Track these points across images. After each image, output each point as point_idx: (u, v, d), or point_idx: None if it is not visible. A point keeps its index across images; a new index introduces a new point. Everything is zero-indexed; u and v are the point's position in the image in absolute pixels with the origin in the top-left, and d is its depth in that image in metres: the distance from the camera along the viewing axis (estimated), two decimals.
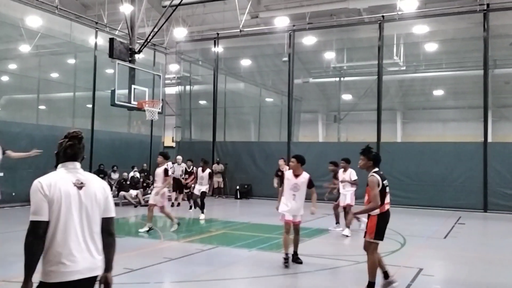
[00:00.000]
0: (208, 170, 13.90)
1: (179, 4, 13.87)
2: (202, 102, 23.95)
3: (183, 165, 16.83)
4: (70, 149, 3.04)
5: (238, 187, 20.19)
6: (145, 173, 18.46)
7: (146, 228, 10.85)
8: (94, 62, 18.25)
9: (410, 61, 22.04)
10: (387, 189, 6.08)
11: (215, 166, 20.64)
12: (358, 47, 21.50)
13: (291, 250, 8.05)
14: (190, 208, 14.92)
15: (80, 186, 2.94)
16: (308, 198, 8.29)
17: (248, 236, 10.71)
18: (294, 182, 8.09)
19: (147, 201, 15.89)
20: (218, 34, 21.45)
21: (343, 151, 18.86)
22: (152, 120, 17.00)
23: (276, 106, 23.57)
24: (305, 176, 8.16)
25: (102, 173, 17.68)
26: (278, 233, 11.25)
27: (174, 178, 16.18)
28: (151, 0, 19.63)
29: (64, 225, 2.83)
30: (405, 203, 16.85)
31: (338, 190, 11.54)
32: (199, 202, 13.73)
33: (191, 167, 16.51)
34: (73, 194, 2.90)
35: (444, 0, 18.92)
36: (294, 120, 21.13)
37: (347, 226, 10.53)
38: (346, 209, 10.94)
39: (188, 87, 23.52)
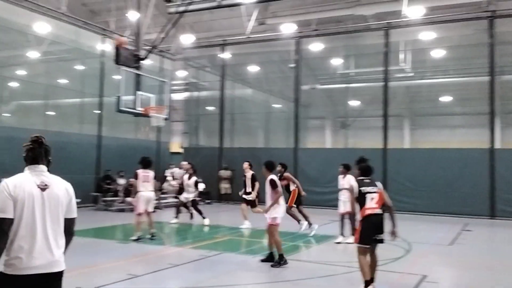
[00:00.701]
0: (194, 178, 13.70)
1: (185, 11, 13.95)
2: (209, 108, 24.02)
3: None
4: (31, 152, 3.25)
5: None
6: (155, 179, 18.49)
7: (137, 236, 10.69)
8: (101, 68, 18.38)
9: (417, 67, 21.96)
10: (367, 196, 6.49)
11: (222, 172, 20.63)
12: (364, 54, 21.48)
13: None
14: (191, 217, 14.37)
15: (43, 188, 3.14)
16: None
17: (254, 242, 10.69)
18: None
19: (156, 207, 15.93)
20: (224, 40, 21.53)
21: (351, 157, 18.69)
22: (159, 126, 17.09)
23: (283, 112, 23.58)
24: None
25: (109, 179, 17.76)
26: (283, 239, 11.19)
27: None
28: (158, 6, 19.72)
29: (25, 223, 3.03)
30: (411, 209, 16.75)
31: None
32: (181, 210, 13.79)
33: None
34: (36, 195, 3.09)
35: (450, 6, 18.84)
36: (301, 126, 21.11)
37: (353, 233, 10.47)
38: (345, 216, 10.78)
39: (195, 93, 23.60)
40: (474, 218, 15.89)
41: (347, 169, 10.74)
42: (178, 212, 13.87)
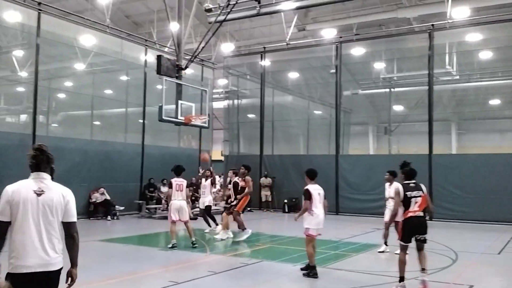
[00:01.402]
0: (209, 180, 13.59)
1: (225, 20, 14.05)
2: (250, 115, 24.07)
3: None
4: (34, 159, 3.48)
5: (286, 201, 20.04)
6: (194, 187, 18.67)
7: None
8: (144, 78, 18.77)
9: (463, 70, 21.21)
10: (412, 200, 6.97)
11: (262, 180, 20.59)
12: (408, 57, 20.94)
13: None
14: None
15: (39, 193, 3.39)
16: None
17: (294, 251, 10.53)
18: None
19: (196, 214, 16.07)
20: (265, 48, 21.56)
21: (394, 164, 18.19)
22: (200, 135, 17.24)
23: (324, 118, 23.31)
24: None
25: (152, 187, 18.06)
26: (324, 247, 11.03)
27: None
28: (199, 16, 20.01)
29: (20, 226, 3.32)
30: (459, 217, 16.15)
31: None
32: (207, 218, 13.40)
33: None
34: (31, 200, 3.35)
35: (496, 6, 18.16)
36: (343, 133, 20.80)
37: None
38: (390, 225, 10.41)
39: (236, 101, 23.72)
40: None
41: (393, 176, 10.35)
42: (206, 220, 13.55)
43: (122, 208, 16.67)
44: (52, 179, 3.62)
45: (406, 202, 6.97)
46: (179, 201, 10.78)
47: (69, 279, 3.55)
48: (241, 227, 11.66)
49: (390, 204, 10.37)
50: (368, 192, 18.19)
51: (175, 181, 10.84)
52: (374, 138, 27.85)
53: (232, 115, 23.54)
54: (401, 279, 7.03)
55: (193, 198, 17.83)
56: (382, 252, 10.29)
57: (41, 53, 15.19)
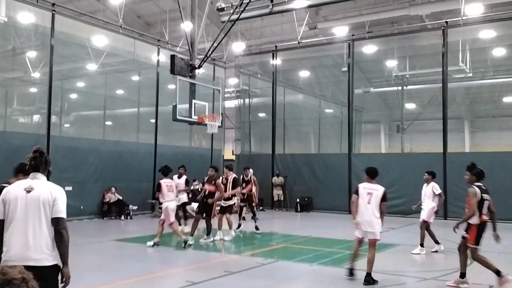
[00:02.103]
0: (184, 177, 13.16)
1: (238, 19, 14.03)
2: (261, 114, 24.05)
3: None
4: (33, 161, 3.68)
5: (298, 200, 19.99)
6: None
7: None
8: (156, 78, 18.81)
9: (477, 67, 21.01)
10: (486, 203, 7.10)
11: (274, 179, 20.56)
12: (421, 55, 20.79)
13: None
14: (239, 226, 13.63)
15: (29, 190, 3.56)
16: None
17: (309, 250, 10.51)
18: None
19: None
20: (276, 46, 21.51)
21: (407, 163, 18.33)
22: (212, 134, 17.24)
23: (336, 117, 23.23)
24: None
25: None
26: (340, 247, 10.99)
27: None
28: (210, 16, 19.98)
29: (10, 221, 3.53)
30: None
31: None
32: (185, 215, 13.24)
33: (249, 175, 16.14)
34: (20, 197, 3.54)
35: (510, 3, 17.94)
36: (355, 131, 20.70)
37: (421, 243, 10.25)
38: (421, 224, 10.42)
39: (247, 100, 23.70)
40: None
41: (433, 177, 10.60)
42: (185, 218, 13.54)
43: (135, 207, 16.73)
44: (48, 180, 3.78)
45: (480, 205, 7.06)
46: (172, 202, 10.84)
47: (63, 279, 3.62)
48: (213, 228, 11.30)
49: (426, 204, 10.48)
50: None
51: (165, 182, 10.87)
52: (386, 136, 27.70)
53: (244, 114, 23.52)
54: (499, 271, 7.11)
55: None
56: (418, 254, 10.20)
57: (54, 54, 15.26)
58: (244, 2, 13.51)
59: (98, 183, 16.36)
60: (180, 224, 12.83)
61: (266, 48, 22.63)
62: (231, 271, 8.33)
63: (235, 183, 11.96)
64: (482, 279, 7.83)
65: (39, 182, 3.62)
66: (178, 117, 12.44)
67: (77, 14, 16.70)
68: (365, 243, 7.88)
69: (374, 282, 7.38)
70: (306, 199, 19.81)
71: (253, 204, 13.75)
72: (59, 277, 3.62)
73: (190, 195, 17.02)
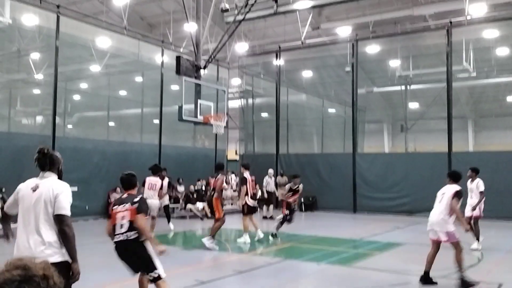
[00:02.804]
0: (166, 180, 12.75)
1: (243, 20, 14.05)
2: (264, 115, 24.08)
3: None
4: (37, 162, 3.78)
5: (302, 200, 19.98)
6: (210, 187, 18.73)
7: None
8: (160, 79, 18.84)
9: (481, 66, 21.01)
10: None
11: (279, 179, 20.52)
12: (424, 54, 20.81)
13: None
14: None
15: (34, 189, 3.64)
16: None
17: (316, 250, 10.52)
18: None
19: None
20: (279, 47, 21.52)
21: (411, 162, 18.34)
22: (216, 134, 17.28)
23: (339, 117, 23.25)
24: None
25: (169, 186, 18.10)
26: (346, 246, 11.00)
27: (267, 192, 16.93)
28: (214, 17, 20.05)
29: (19, 220, 3.64)
30: None
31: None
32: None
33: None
34: (27, 195, 3.64)
35: None
36: (358, 131, 20.71)
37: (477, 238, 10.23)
38: (469, 220, 10.48)
39: (250, 101, 23.74)
40: None
41: (476, 173, 10.67)
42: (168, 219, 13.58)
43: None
44: (59, 178, 3.82)
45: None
46: (153, 200, 11.00)
47: (73, 274, 3.67)
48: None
49: (471, 200, 10.58)
50: (386, 190, 18.10)
51: (149, 180, 11.17)
52: (389, 136, 27.70)
53: (247, 115, 23.55)
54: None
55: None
56: (477, 249, 10.17)
57: (59, 55, 15.29)
58: (249, 3, 13.55)
59: (103, 184, 16.38)
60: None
61: (270, 48, 22.65)
62: (239, 270, 8.35)
63: (241, 182, 11.84)
64: (491, 277, 7.85)
65: (45, 181, 3.68)
66: (184, 118, 12.47)
67: (81, 16, 16.74)
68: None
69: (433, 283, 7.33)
70: (310, 198, 19.80)
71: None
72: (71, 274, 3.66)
73: (194, 195, 17.10)
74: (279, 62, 21.67)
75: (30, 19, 15.11)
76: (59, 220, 3.55)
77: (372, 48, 20.14)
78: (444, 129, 17.70)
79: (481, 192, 10.46)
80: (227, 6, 15.70)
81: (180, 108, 12.29)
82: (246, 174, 11.51)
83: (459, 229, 7.32)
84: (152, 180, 11.24)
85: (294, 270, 8.57)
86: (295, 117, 22.62)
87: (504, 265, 9.09)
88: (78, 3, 21.86)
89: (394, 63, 21.52)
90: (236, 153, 23.43)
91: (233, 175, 19.67)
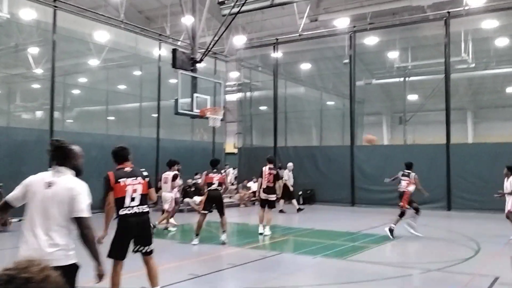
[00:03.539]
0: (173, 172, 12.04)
1: (239, 12, 13.98)
2: (262, 107, 24.03)
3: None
4: (49, 155, 3.58)
5: (300, 193, 19.99)
6: None
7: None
8: (158, 73, 18.79)
9: (480, 57, 20.88)
10: None
11: (279, 171, 20.54)
12: (423, 45, 20.68)
13: None
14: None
15: (49, 185, 3.40)
16: None
17: (312, 243, 10.53)
18: None
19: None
20: (277, 39, 21.44)
21: (410, 154, 18.24)
22: (214, 127, 17.26)
23: (337, 109, 23.18)
24: None
25: (173, 179, 18.09)
26: (343, 239, 11.01)
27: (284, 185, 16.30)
28: (211, 9, 19.91)
29: (27, 215, 3.41)
30: (478, 207, 15.95)
31: None
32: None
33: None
34: (40, 192, 3.39)
35: None
36: (357, 123, 20.66)
37: None
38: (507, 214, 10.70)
39: (248, 94, 23.68)
40: None
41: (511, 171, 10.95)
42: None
43: None
44: (78, 175, 3.59)
45: None
46: (166, 193, 11.87)
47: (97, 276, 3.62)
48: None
49: (509, 196, 10.97)
50: (384, 183, 18.05)
51: (164, 174, 12.12)
52: (388, 128, 27.61)
53: (245, 108, 23.50)
54: None
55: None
56: None
57: (56, 50, 15.25)
58: None
59: (101, 178, 16.37)
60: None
61: (267, 41, 22.56)
62: (235, 263, 8.37)
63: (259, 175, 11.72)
64: (488, 270, 7.84)
65: (60, 177, 3.43)
66: (180, 111, 12.47)
67: (79, 10, 16.67)
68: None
69: None
70: (308, 191, 19.81)
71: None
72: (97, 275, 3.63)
73: (192, 189, 17.11)
74: (277, 54, 21.59)
75: (28, 13, 15.06)
76: (79, 223, 3.35)
77: (371, 40, 20.05)
78: (442, 121, 17.66)
79: None
80: None
81: (176, 101, 12.27)
82: (265, 168, 11.62)
83: None
84: (166, 174, 11.97)
85: (290, 263, 8.58)
86: (293, 109, 22.56)
87: (501, 258, 9.07)
88: None
89: (393, 55, 21.42)
90: (234, 147, 23.41)
91: (230, 169, 19.66)
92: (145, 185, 5.49)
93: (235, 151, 23.19)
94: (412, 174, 11.22)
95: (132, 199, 5.36)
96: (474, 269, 7.85)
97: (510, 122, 22.69)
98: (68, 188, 3.38)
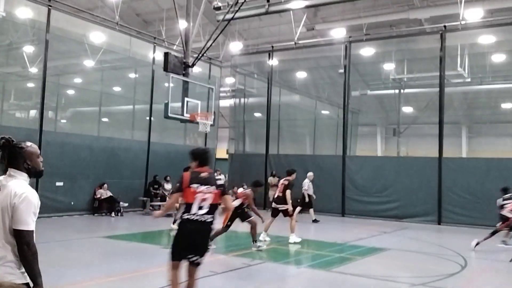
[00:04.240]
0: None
1: (233, 18, 13.93)
2: (256, 114, 23.96)
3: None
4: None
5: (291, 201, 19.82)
6: None
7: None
8: (152, 76, 18.71)
9: (475, 72, 20.89)
10: None
11: (270, 179, 20.40)
12: (419, 58, 20.67)
13: None
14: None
15: None
16: None
17: (298, 253, 10.40)
18: None
19: None
20: (272, 46, 21.39)
21: (403, 166, 18.23)
22: (206, 133, 17.16)
23: (331, 119, 23.13)
24: None
25: (156, 184, 18.00)
26: (329, 250, 10.87)
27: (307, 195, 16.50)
28: (208, 15, 19.93)
29: None
30: (469, 222, 15.85)
31: None
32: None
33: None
34: None
35: (510, 9, 17.83)
36: (351, 133, 20.57)
37: None
38: None
39: (242, 100, 23.61)
40: None
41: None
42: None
43: (126, 204, 16.61)
44: (37, 177, 3.15)
45: None
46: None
47: None
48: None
49: None
50: (375, 194, 17.98)
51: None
52: (382, 139, 27.58)
53: (239, 114, 23.42)
54: None
55: None
56: None
57: (50, 49, 15.16)
58: (239, 1, 13.42)
59: (90, 179, 16.26)
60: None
61: (263, 48, 22.53)
62: (216, 271, 8.21)
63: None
64: (472, 286, 7.72)
65: (10, 183, 2.97)
66: (170, 115, 12.36)
67: (74, 10, 16.59)
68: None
69: None
70: (298, 200, 19.63)
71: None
72: None
73: None
74: (272, 62, 21.55)
75: (23, 12, 14.99)
76: (18, 236, 2.86)
77: (366, 51, 20.02)
78: (436, 134, 17.59)
79: None
80: (220, 4, 15.56)
81: (167, 105, 12.17)
82: (282, 180, 11.92)
83: None
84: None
85: (272, 272, 8.44)
86: (287, 117, 22.49)
87: (487, 274, 8.96)
88: None
89: (388, 66, 21.41)
90: (227, 152, 23.29)
91: (222, 176, 19.51)
92: (217, 195, 5.31)
93: (227, 156, 23.07)
94: None
95: (200, 208, 5.23)
96: (460, 285, 7.73)
97: (504, 138, 22.69)
98: (12, 194, 2.90)
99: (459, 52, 19.25)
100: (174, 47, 20.08)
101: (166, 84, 18.85)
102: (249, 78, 23.79)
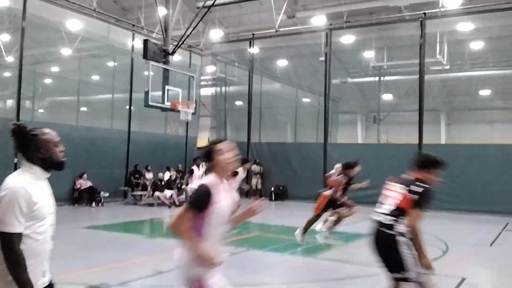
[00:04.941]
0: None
1: (213, 5, 13.75)
2: (237, 103, 23.85)
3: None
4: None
5: (272, 189, 19.89)
6: (180, 174, 18.49)
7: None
8: (131, 64, 18.42)
9: (454, 59, 21.13)
10: None
11: (254, 167, 20.37)
12: (398, 46, 20.78)
13: None
14: None
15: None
16: None
17: (281, 240, 10.42)
18: None
19: (182, 202, 15.88)
20: (253, 34, 21.24)
21: (383, 153, 18.37)
22: (187, 121, 17.02)
23: (312, 107, 23.17)
24: None
25: (137, 173, 17.83)
26: (312, 237, 10.90)
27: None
28: (187, 2, 19.62)
29: None
30: (448, 207, 16.06)
31: None
32: None
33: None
34: None
35: None
36: (331, 121, 20.63)
37: None
38: None
39: (223, 88, 23.45)
40: None
41: None
42: None
43: (106, 194, 16.40)
44: (57, 169, 2.90)
45: None
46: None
47: None
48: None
49: None
50: (357, 181, 18.07)
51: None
52: (363, 127, 27.77)
53: (220, 102, 23.28)
54: None
55: (179, 185, 17.64)
56: None
57: (27, 38, 14.79)
58: None
59: (69, 170, 15.93)
60: None
61: (244, 35, 22.35)
62: None
63: None
64: (455, 271, 7.82)
65: (10, 175, 2.64)
66: (150, 103, 12.20)
67: None
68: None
69: None
70: (280, 188, 19.73)
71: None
72: None
73: (162, 183, 16.82)
74: (253, 50, 21.41)
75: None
76: None
77: (347, 38, 20.05)
78: (416, 121, 17.76)
79: None
80: None
81: (147, 93, 11.99)
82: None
83: None
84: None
85: (257, 260, 8.43)
86: (268, 105, 22.44)
87: (468, 258, 9.11)
88: None
89: (368, 54, 21.49)
90: (208, 141, 23.16)
91: (203, 163, 19.41)
92: (406, 200, 4.44)
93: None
94: None
95: (381, 205, 4.68)
96: (441, 270, 7.78)
97: (482, 125, 23.08)
98: None
99: (438, 40, 19.42)
100: (154, 35, 19.77)
101: (146, 73, 18.59)
102: (230, 66, 23.63)
